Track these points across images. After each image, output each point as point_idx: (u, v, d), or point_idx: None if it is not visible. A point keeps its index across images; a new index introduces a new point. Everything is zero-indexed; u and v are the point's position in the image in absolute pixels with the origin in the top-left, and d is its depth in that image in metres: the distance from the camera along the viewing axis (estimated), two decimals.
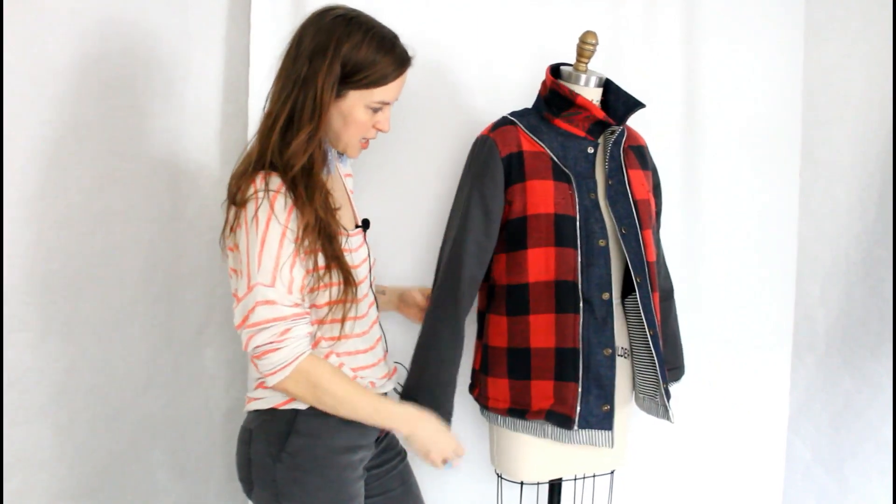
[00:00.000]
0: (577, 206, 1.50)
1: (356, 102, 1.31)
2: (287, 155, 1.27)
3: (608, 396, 1.50)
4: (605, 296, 1.49)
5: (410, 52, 1.36)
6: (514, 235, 1.53)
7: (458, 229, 1.54)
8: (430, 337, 1.55)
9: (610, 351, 1.49)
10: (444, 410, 1.53)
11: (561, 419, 1.51)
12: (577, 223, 1.49)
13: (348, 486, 1.36)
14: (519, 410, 1.55)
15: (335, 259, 1.29)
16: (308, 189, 1.27)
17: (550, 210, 1.49)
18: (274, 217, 1.23)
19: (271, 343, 1.23)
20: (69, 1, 1.48)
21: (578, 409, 1.49)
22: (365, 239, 1.45)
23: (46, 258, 1.49)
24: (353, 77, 1.29)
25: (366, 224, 1.47)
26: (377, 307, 1.50)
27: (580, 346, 1.48)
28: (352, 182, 1.55)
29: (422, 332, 1.57)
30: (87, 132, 1.53)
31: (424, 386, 1.54)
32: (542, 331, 1.51)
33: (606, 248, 1.50)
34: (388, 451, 1.53)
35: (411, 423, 1.39)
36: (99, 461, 1.63)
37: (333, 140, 1.37)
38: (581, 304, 1.48)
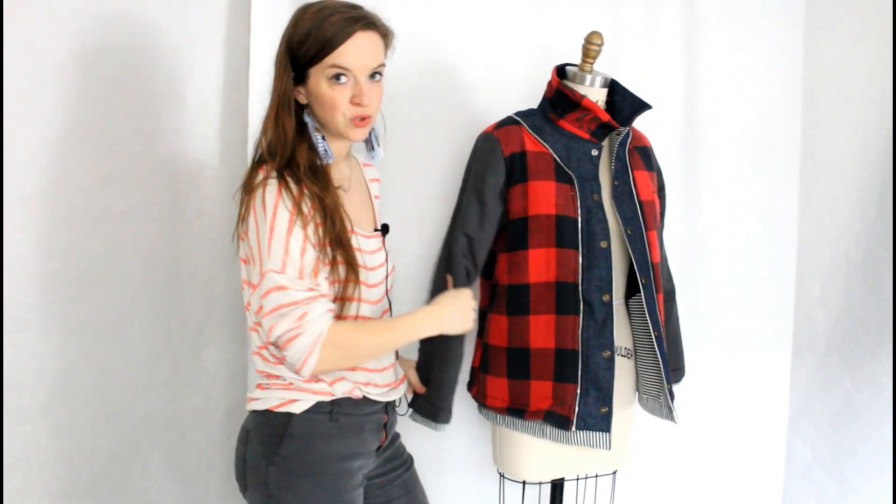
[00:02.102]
0: (579, 208, 1.49)
1: (317, 78, 1.29)
2: (272, 143, 1.30)
3: (607, 398, 1.50)
4: (606, 297, 1.49)
5: (385, 20, 1.32)
6: (515, 236, 1.53)
7: (454, 223, 1.56)
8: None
9: (609, 353, 1.49)
10: (444, 409, 1.56)
11: (559, 420, 1.51)
12: (579, 224, 1.49)
13: (343, 495, 1.33)
14: (517, 410, 1.55)
15: (338, 243, 1.27)
16: (297, 171, 1.27)
17: (552, 211, 1.49)
18: (282, 203, 1.23)
19: (291, 330, 1.22)
20: (69, 0, 1.48)
21: (577, 410, 1.49)
22: (384, 244, 1.44)
23: (46, 258, 1.49)
24: (299, 52, 1.28)
25: (385, 229, 1.46)
26: (391, 314, 1.49)
27: (579, 347, 1.48)
28: (377, 187, 1.55)
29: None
30: (87, 132, 1.53)
31: (429, 385, 1.57)
32: (541, 331, 1.51)
33: (608, 249, 1.50)
34: (394, 460, 1.51)
35: (439, 323, 1.37)
36: (99, 461, 1.63)
37: (332, 129, 1.34)
38: (581, 306, 1.48)
